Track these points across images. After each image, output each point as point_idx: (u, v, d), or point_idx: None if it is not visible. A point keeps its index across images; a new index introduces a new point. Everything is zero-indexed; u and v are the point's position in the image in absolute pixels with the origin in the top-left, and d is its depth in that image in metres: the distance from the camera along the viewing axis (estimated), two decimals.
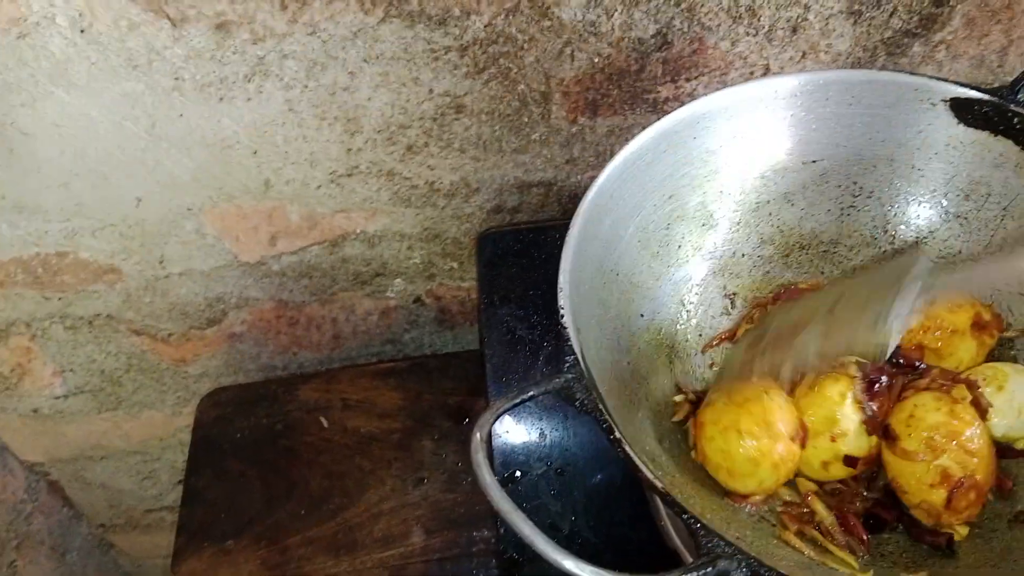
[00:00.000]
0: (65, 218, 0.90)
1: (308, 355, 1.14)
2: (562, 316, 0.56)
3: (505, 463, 0.76)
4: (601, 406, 0.53)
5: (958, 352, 0.65)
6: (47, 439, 1.23)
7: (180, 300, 1.02)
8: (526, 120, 0.86)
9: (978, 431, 0.58)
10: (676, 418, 0.66)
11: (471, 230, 0.98)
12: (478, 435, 0.50)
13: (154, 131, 0.82)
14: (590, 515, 0.74)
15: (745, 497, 0.61)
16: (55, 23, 0.72)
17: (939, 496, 0.58)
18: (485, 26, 0.77)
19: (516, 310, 0.86)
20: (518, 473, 0.77)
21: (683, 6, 0.77)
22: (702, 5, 0.77)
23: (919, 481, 0.58)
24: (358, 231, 0.97)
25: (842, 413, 0.61)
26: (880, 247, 0.73)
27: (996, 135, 0.66)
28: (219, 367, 1.13)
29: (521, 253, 0.91)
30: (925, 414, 0.59)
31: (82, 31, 0.73)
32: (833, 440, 0.61)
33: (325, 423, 0.99)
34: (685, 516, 0.48)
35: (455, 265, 1.03)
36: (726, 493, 0.61)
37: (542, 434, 0.80)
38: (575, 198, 0.65)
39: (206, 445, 1.01)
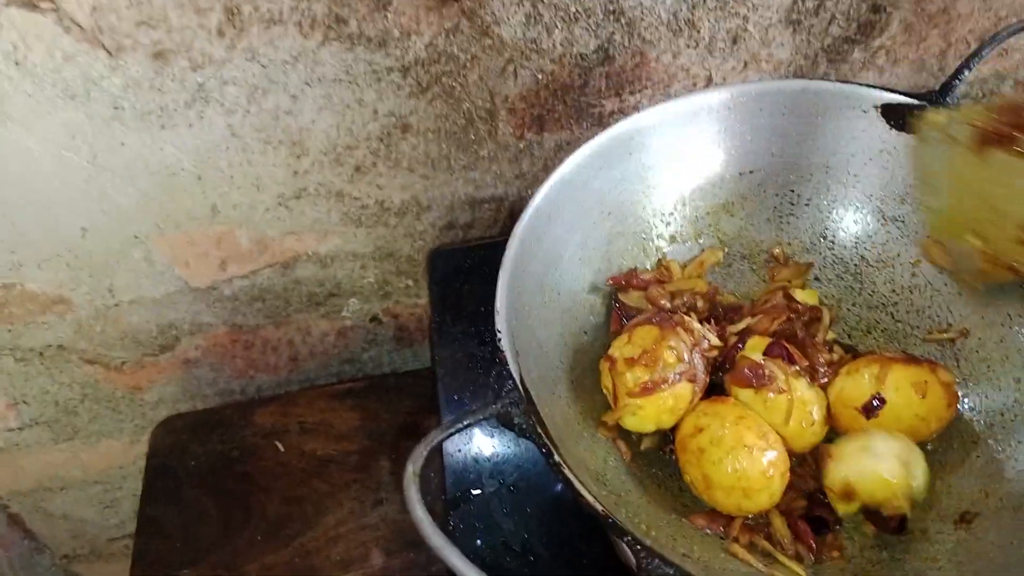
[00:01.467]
0: (10, 250, 0.88)
1: (266, 378, 1.13)
2: (499, 339, 0.56)
3: (457, 481, 0.76)
4: (540, 430, 0.52)
5: None
6: (4, 472, 1.21)
7: (132, 328, 1.01)
8: (473, 137, 0.86)
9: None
10: (645, 446, 0.66)
11: (424, 247, 0.98)
12: (411, 468, 0.49)
13: (96, 161, 0.81)
14: (543, 531, 0.74)
15: (729, 519, 0.61)
16: None
17: None
18: (426, 46, 0.77)
19: (468, 327, 0.86)
20: (472, 491, 0.77)
21: (623, 21, 0.77)
22: (642, 19, 0.77)
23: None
24: (310, 252, 0.96)
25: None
26: (820, 253, 0.74)
27: None
28: (175, 393, 1.12)
29: (472, 270, 0.90)
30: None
31: (16, 63, 0.72)
32: None
33: (281, 447, 0.98)
34: (626, 538, 0.48)
35: (410, 283, 1.03)
36: (710, 518, 0.61)
37: (494, 451, 0.79)
38: (528, 200, 0.65)
39: (161, 473, 0.99)
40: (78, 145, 0.80)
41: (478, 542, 0.71)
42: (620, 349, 0.64)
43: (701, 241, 0.74)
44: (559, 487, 0.76)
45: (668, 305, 0.69)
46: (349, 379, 1.12)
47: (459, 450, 0.77)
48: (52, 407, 1.11)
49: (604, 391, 0.65)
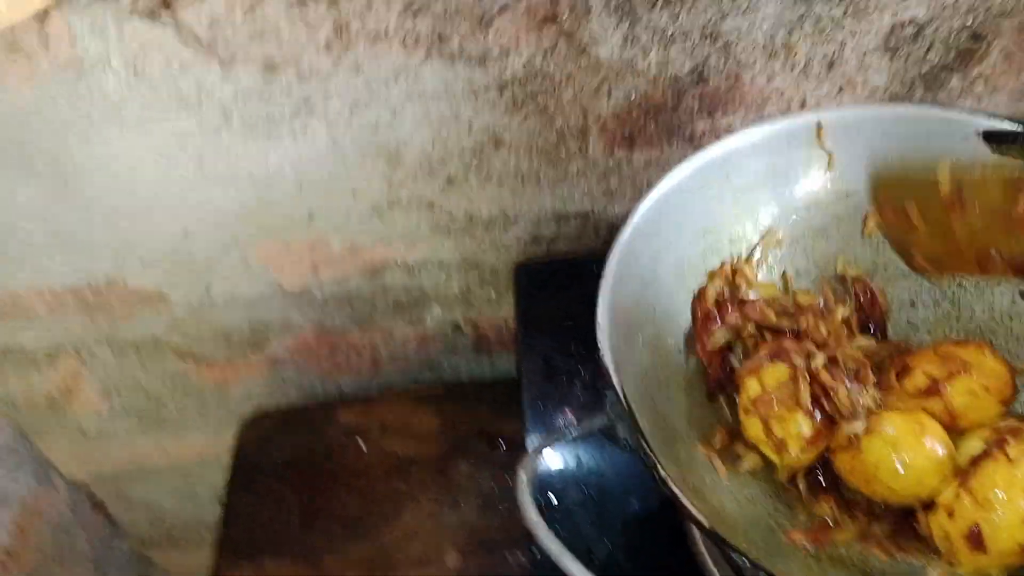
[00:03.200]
0: (114, 248, 0.92)
1: (348, 380, 1.16)
2: (602, 354, 0.57)
3: (541, 489, 0.77)
4: (645, 444, 0.54)
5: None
6: (91, 458, 1.26)
7: (225, 326, 1.05)
8: (564, 154, 0.88)
9: None
10: (747, 468, 0.66)
11: (509, 260, 1.00)
12: (523, 475, 0.51)
13: (202, 167, 0.84)
14: (626, 542, 0.75)
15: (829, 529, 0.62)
16: (110, 65, 0.75)
17: None
18: (523, 64, 0.79)
19: (552, 340, 0.87)
20: (553, 498, 0.78)
21: (719, 44, 0.78)
22: (738, 43, 0.78)
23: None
24: (398, 260, 0.98)
25: None
26: (917, 277, 0.74)
27: None
28: (261, 390, 1.15)
29: (557, 284, 0.92)
30: None
31: (135, 72, 0.76)
32: None
33: (363, 446, 1.00)
34: (734, 553, 0.49)
35: (493, 294, 1.05)
36: (809, 533, 0.62)
37: (579, 460, 0.81)
38: (612, 229, 0.66)
39: (247, 466, 1.03)
40: (187, 152, 0.83)
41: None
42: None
43: (795, 263, 0.75)
44: (635, 502, 0.77)
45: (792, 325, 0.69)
46: (427, 385, 1.14)
47: (544, 455, 0.79)
48: (142, 398, 1.15)
49: (754, 440, 0.65)
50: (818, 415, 0.63)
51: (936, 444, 0.60)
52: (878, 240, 0.74)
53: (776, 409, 0.63)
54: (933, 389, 0.63)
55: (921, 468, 0.60)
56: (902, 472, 0.60)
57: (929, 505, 0.60)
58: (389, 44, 0.76)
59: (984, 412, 0.63)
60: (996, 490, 0.57)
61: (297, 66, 0.77)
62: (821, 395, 0.63)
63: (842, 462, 0.63)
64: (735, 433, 0.67)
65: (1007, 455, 0.58)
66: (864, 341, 0.70)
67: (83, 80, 0.76)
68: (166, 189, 0.86)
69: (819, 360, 0.64)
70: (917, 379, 0.64)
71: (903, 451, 0.60)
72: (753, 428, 0.64)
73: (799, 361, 0.64)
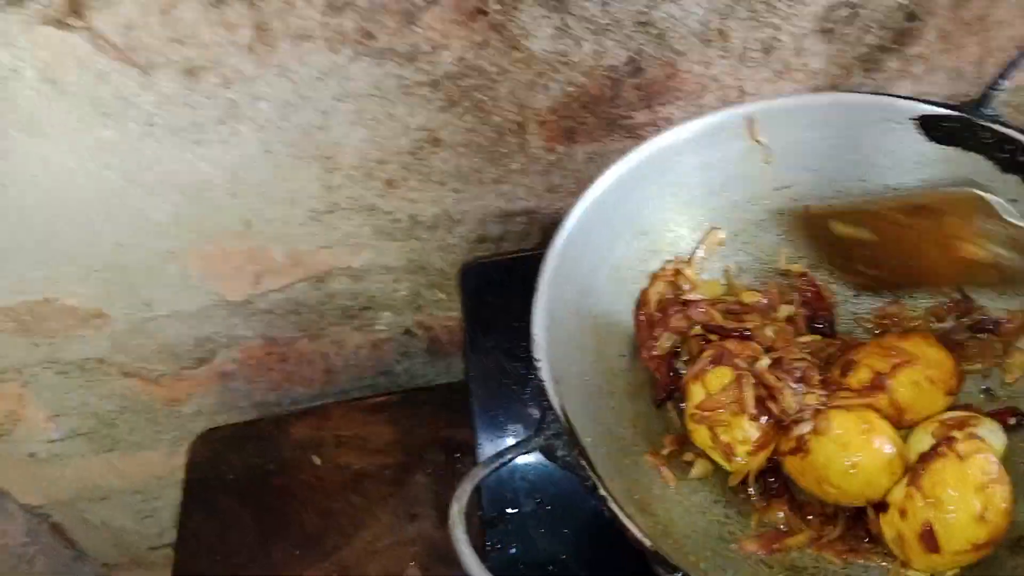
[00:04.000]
0: (48, 265, 0.90)
1: (301, 390, 1.13)
2: (539, 369, 0.55)
3: (494, 500, 0.75)
4: (584, 462, 0.52)
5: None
6: (46, 482, 1.23)
7: (169, 341, 1.02)
8: (504, 150, 0.86)
9: None
10: (696, 475, 0.65)
11: (456, 261, 0.97)
12: (456, 507, 0.49)
13: (130, 177, 0.82)
14: (582, 550, 0.73)
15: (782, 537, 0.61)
16: (22, 76, 0.72)
17: None
18: (456, 60, 0.77)
19: (502, 341, 0.85)
20: (508, 510, 0.76)
21: (653, 32, 0.76)
22: (672, 30, 0.76)
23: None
24: (343, 266, 0.96)
25: None
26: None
27: (966, 150, 0.66)
28: (212, 405, 1.13)
29: (505, 283, 0.90)
30: None
31: (50, 81, 0.73)
32: None
33: (318, 461, 0.98)
34: (677, 573, 0.48)
35: (443, 296, 1.03)
36: (761, 542, 0.61)
37: (531, 469, 0.78)
38: (558, 225, 0.64)
39: (200, 486, 1.00)
40: (112, 162, 0.81)
41: (516, 562, 0.71)
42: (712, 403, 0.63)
43: (736, 259, 0.73)
44: (594, 504, 0.75)
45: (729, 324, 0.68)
46: (383, 392, 1.12)
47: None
48: (91, 419, 1.12)
49: (703, 447, 0.64)
50: (764, 418, 0.61)
51: (884, 442, 0.59)
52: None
53: (721, 415, 0.61)
54: (878, 383, 0.62)
55: (871, 468, 0.59)
56: (852, 472, 0.59)
57: (881, 505, 0.59)
58: (314, 43, 0.74)
59: (930, 404, 0.62)
60: (948, 489, 0.56)
61: (220, 70, 0.75)
62: (767, 398, 0.61)
63: (791, 465, 0.61)
64: (684, 440, 0.65)
65: (957, 452, 0.56)
66: (810, 338, 0.69)
67: None
68: (94, 201, 0.84)
69: (763, 362, 0.63)
70: (861, 374, 0.63)
71: (852, 451, 0.59)
72: (700, 435, 0.63)
73: (743, 364, 0.63)
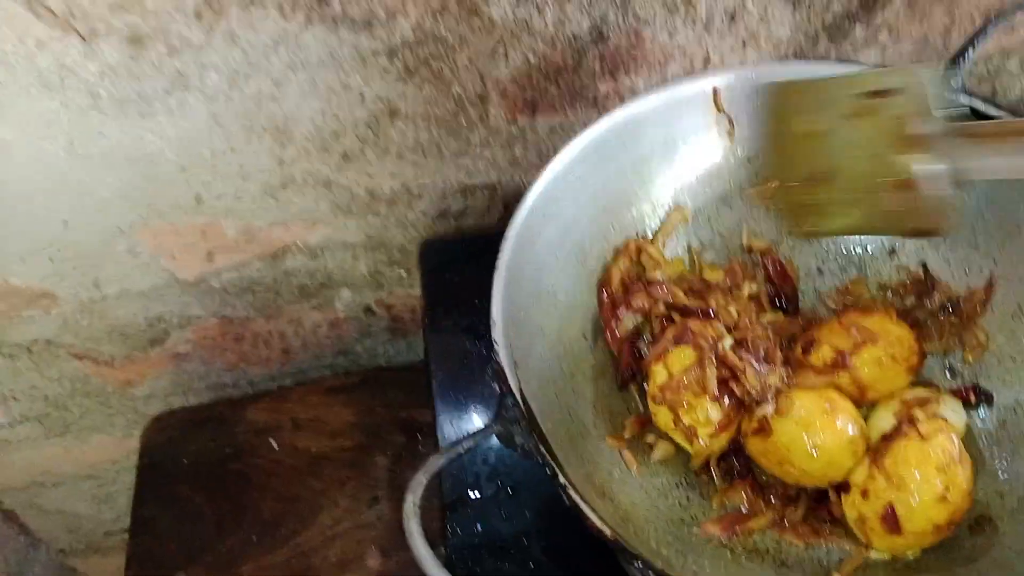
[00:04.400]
0: None
1: (258, 371, 1.11)
2: (497, 352, 0.53)
3: (454, 485, 0.73)
4: (544, 449, 0.50)
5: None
6: None
7: (120, 321, 0.99)
8: (464, 122, 0.83)
9: None
10: (658, 458, 0.64)
11: (416, 237, 0.95)
12: (410, 499, 0.47)
13: (74, 151, 0.78)
14: (543, 536, 0.71)
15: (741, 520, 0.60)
16: None
17: None
18: (413, 27, 0.74)
19: (462, 320, 0.83)
20: (470, 494, 0.74)
21: None
22: None
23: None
24: (299, 243, 0.94)
25: None
26: (823, 244, 0.71)
27: None
28: (166, 388, 1.10)
29: (466, 260, 0.88)
30: None
31: None
32: None
33: (275, 445, 0.96)
34: (636, 563, 0.46)
35: (403, 273, 1.00)
36: (722, 524, 0.60)
37: (492, 452, 0.77)
38: (521, 199, 0.62)
39: (154, 471, 0.98)
40: (54, 135, 0.77)
41: (477, 546, 0.69)
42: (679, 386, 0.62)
43: (699, 235, 0.71)
44: (551, 495, 0.74)
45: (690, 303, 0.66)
46: (343, 372, 1.10)
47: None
48: (42, 402, 1.09)
49: (665, 429, 0.63)
50: (726, 399, 0.60)
51: (847, 422, 0.58)
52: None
53: (683, 396, 0.60)
54: (840, 362, 0.61)
55: (833, 448, 0.58)
56: (814, 454, 0.58)
57: (843, 486, 0.58)
58: (265, 10, 0.71)
59: (892, 381, 0.61)
60: (910, 469, 0.55)
61: (166, 38, 0.72)
62: (729, 378, 0.60)
63: (754, 445, 0.60)
64: (646, 422, 0.64)
65: (919, 432, 0.56)
66: (772, 316, 0.68)
67: None
68: (37, 176, 0.80)
69: (726, 342, 0.61)
70: (823, 353, 0.62)
71: (814, 432, 0.58)
72: (662, 417, 0.62)
73: (706, 344, 0.61)
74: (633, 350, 0.67)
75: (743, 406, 0.60)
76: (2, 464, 1.19)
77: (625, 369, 0.66)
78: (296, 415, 0.98)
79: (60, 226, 0.86)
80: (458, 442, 0.51)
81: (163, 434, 0.99)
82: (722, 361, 0.60)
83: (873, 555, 0.57)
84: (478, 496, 0.72)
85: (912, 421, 0.57)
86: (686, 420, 0.60)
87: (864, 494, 0.56)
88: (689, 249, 0.71)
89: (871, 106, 0.60)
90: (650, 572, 0.46)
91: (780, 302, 0.70)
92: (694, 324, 0.63)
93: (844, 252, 0.71)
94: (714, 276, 0.70)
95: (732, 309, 0.65)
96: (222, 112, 0.78)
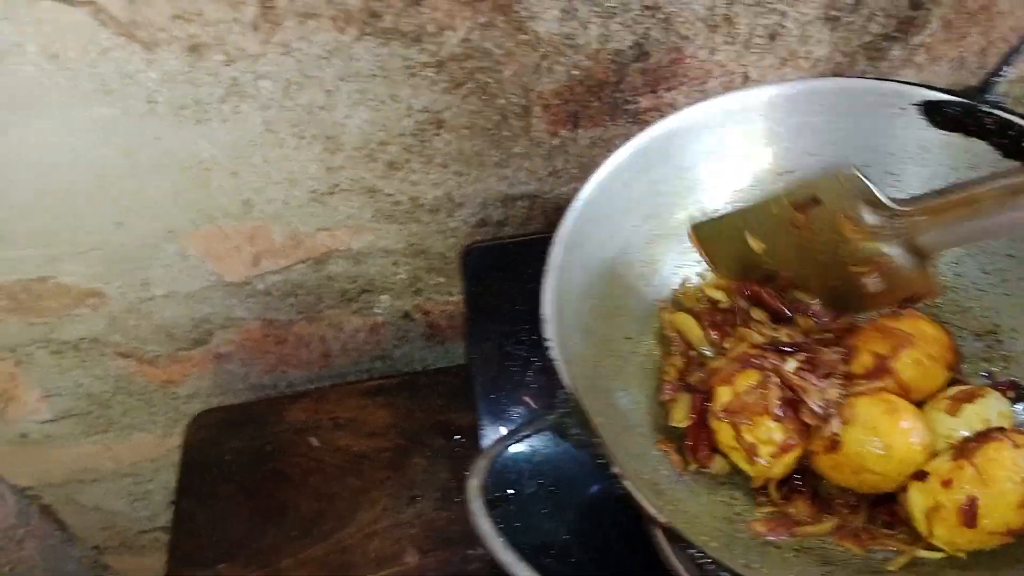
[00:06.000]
0: (45, 244, 0.89)
1: (297, 373, 1.13)
2: (549, 349, 0.55)
3: (496, 482, 0.75)
4: (597, 440, 0.52)
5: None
6: (37, 463, 1.22)
7: (165, 322, 1.01)
8: (507, 134, 0.86)
9: None
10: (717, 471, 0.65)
11: (456, 244, 0.97)
12: (474, 482, 0.49)
13: (131, 155, 0.81)
14: (583, 533, 0.73)
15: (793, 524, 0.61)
16: (24, 50, 0.71)
17: None
18: (461, 41, 0.77)
19: (503, 325, 0.85)
20: (510, 491, 0.76)
21: (660, 16, 0.76)
22: (679, 15, 0.76)
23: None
24: (342, 248, 0.96)
25: None
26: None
27: (968, 136, 0.66)
28: (208, 387, 1.12)
29: (507, 267, 0.90)
30: None
31: (51, 57, 0.72)
32: None
33: (315, 443, 0.97)
34: (692, 550, 0.48)
35: (442, 280, 1.03)
36: (770, 524, 0.61)
37: (534, 450, 0.79)
38: (560, 210, 0.64)
39: (195, 468, 0.99)
40: (113, 140, 0.80)
41: (517, 544, 0.71)
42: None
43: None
44: (596, 488, 0.76)
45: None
46: (380, 376, 1.12)
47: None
48: (85, 400, 1.11)
49: (725, 447, 0.64)
50: (789, 419, 0.61)
51: (911, 419, 0.60)
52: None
53: (746, 414, 0.61)
54: (882, 367, 0.62)
55: (903, 446, 0.59)
56: (887, 455, 0.59)
57: (919, 474, 0.59)
58: (319, 22, 0.74)
59: (933, 380, 0.63)
60: (1003, 469, 0.56)
61: (224, 47, 0.74)
62: (793, 399, 0.61)
63: (825, 463, 0.61)
64: (701, 436, 0.65)
65: (1012, 440, 0.57)
66: (807, 324, 0.69)
67: None
68: (93, 179, 0.83)
69: (790, 364, 0.63)
70: (864, 359, 0.63)
71: (882, 434, 0.59)
72: (724, 434, 0.63)
73: (769, 366, 0.62)
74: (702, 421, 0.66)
75: (807, 429, 0.61)
76: (42, 459, 1.21)
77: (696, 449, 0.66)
78: (335, 415, 0.99)
79: (112, 228, 0.88)
80: (518, 429, 0.53)
81: (204, 432, 1.01)
82: (785, 382, 0.61)
83: (922, 553, 0.59)
84: (519, 494, 0.74)
85: (1003, 430, 0.58)
86: (748, 438, 0.61)
87: (946, 483, 0.57)
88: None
89: (804, 219, 0.63)
90: (706, 559, 0.48)
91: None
92: (755, 349, 0.64)
93: None
94: (717, 294, 0.72)
95: (783, 333, 0.67)
96: (274, 120, 0.80)
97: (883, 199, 0.63)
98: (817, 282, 0.68)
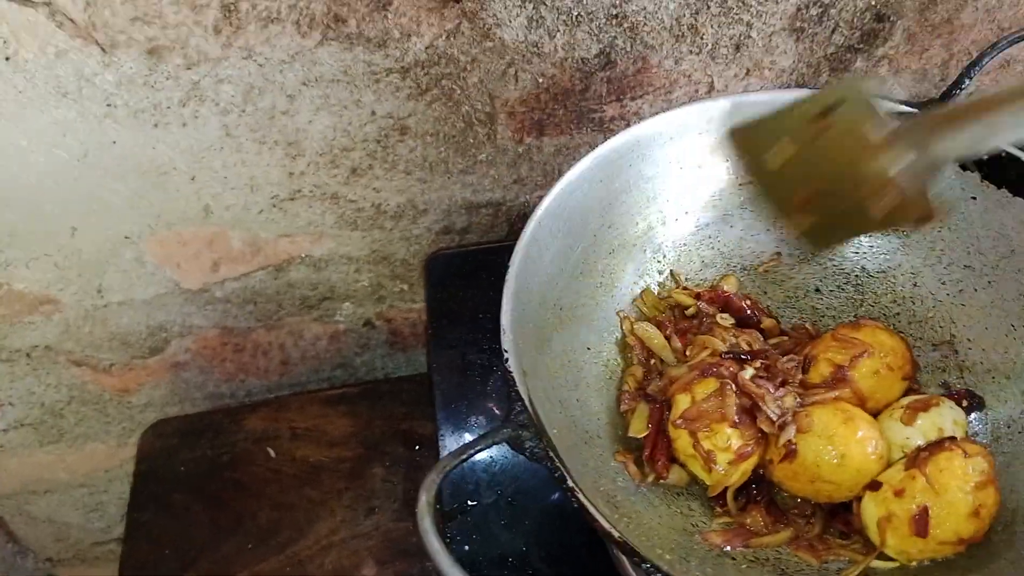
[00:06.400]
0: None
1: (256, 382, 1.11)
2: (507, 360, 0.55)
3: (455, 493, 0.75)
4: (552, 454, 0.51)
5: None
6: None
7: (121, 329, 0.99)
8: (472, 141, 0.85)
9: None
10: (672, 481, 0.64)
11: (420, 251, 0.97)
12: (424, 497, 0.48)
13: (87, 159, 0.79)
14: (542, 543, 0.73)
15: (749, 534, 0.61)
16: None
17: None
18: (426, 48, 0.76)
19: (465, 333, 0.85)
20: (469, 502, 0.75)
21: (625, 26, 0.76)
22: (644, 24, 0.76)
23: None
24: (303, 255, 0.95)
25: None
26: (821, 263, 0.73)
27: None
28: (164, 397, 1.10)
29: (470, 275, 0.89)
30: None
31: (7, 58, 0.71)
32: None
33: (272, 453, 0.96)
34: (645, 565, 0.47)
35: (405, 287, 1.02)
36: (726, 536, 0.61)
37: (492, 461, 0.78)
38: (524, 218, 0.64)
39: (150, 478, 0.98)
40: (69, 143, 0.78)
41: (476, 555, 0.70)
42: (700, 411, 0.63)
43: (701, 253, 0.73)
44: (555, 497, 0.75)
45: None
46: (341, 384, 1.11)
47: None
48: (38, 409, 1.09)
49: (683, 456, 0.63)
50: (746, 426, 0.61)
51: (867, 429, 0.60)
52: (780, 227, 0.73)
53: (704, 421, 0.61)
54: (840, 376, 0.63)
55: (859, 455, 0.59)
56: (842, 464, 0.59)
57: (872, 485, 0.60)
58: (282, 26, 0.73)
59: (890, 390, 0.63)
60: (954, 479, 0.57)
61: (184, 50, 0.73)
62: (750, 406, 0.62)
63: (782, 472, 0.61)
64: (658, 445, 0.65)
65: (963, 449, 0.58)
66: (778, 340, 0.69)
67: None
68: (49, 183, 0.81)
69: (747, 372, 0.63)
70: (822, 368, 0.64)
71: (838, 443, 0.60)
72: (681, 442, 0.63)
73: (727, 373, 0.63)
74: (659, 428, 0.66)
75: (764, 437, 0.61)
76: None
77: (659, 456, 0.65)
78: (295, 424, 0.98)
79: (68, 233, 0.87)
80: (470, 445, 0.52)
81: (160, 441, 1.00)
82: (742, 390, 0.62)
83: (875, 564, 0.59)
84: (477, 505, 0.73)
85: (954, 440, 0.59)
86: (706, 445, 0.61)
87: (899, 493, 0.57)
88: (672, 274, 0.74)
89: (823, 126, 0.62)
90: (660, 575, 0.47)
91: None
92: (715, 357, 0.64)
93: (843, 271, 0.74)
94: (686, 300, 0.71)
95: (743, 340, 0.67)
96: (235, 125, 0.79)
97: (901, 106, 0.62)
98: (830, 201, 0.66)
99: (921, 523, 0.56)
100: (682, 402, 0.63)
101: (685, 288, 0.73)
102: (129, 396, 1.10)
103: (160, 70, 0.74)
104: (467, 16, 0.74)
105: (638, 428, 0.65)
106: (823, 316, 0.73)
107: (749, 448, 0.61)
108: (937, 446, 0.58)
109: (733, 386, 0.62)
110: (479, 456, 0.76)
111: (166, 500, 0.95)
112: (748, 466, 0.61)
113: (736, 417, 0.61)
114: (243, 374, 1.09)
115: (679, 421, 0.62)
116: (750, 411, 0.62)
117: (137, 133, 0.78)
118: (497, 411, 0.80)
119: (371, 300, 1.03)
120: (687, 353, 0.68)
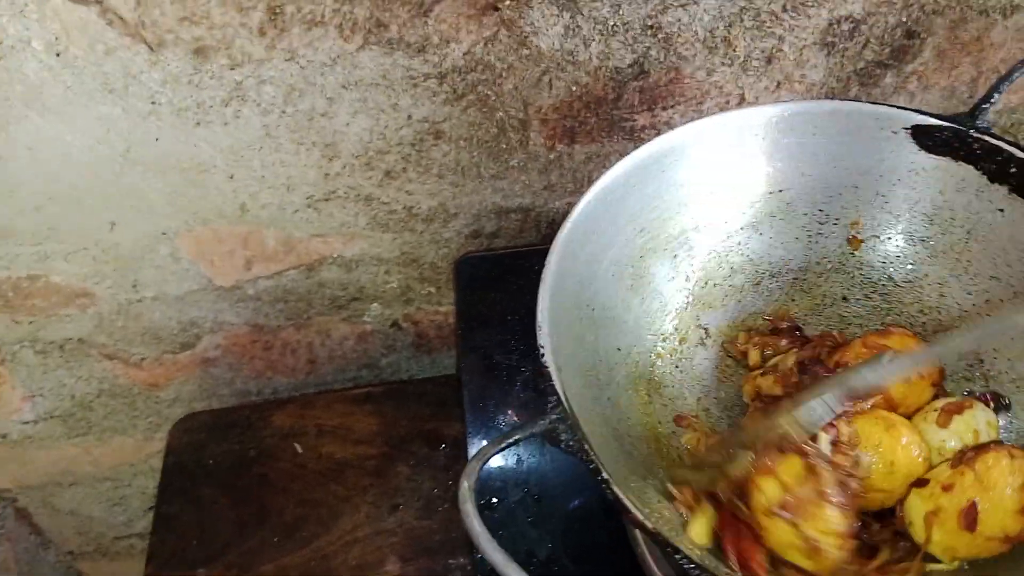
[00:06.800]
0: (37, 241, 0.89)
1: (283, 380, 1.13)
2: (542, 355, 0.56)
3: (482, 490, 0.76)
4: (587, 447, 0.52)
5: None
6: (15, 465, 1.20)
7: (153, 324, 1.01)
8: (504, 146, 0.87)
9: None
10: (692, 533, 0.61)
11: (449, 255, 0.98)
12: (466, 484, 0.49)
13: (129, 155, 0.81)
14: (568, 542, 0.74)
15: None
16: (30, 46, 0.72)
17: None
18: (464, 54, 0.78)
19: (494, 335, 0.86)
20: (494, 500, 0.77)
21: (660, 36, 0.78)
22: (679, 35, 0.78)
23: None
24: (335, 255, 0.96)
25: None
26: (848, 272, 0.74)
27: (957, 161, 0.68)
28: (192, 392, 1.12)
29: (499, 278, 0.91)
30: None
31: (58, 55, 0.73)
32: None
33: (299, 449, 0.97)
34: (678, 556, 0.48)
35: (433, 290, 1.03)
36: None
37: (519, 459, 0.79)
38: (553, 224, 0.65)
39: (178, 472, 0.99)
40: (112, 139, 0.80)
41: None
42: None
43: (730, 259, 0.74)
44: (581, 497, 0.76)
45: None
46: (366, 384, 1.12)
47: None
48: (68, 401, 1.11)
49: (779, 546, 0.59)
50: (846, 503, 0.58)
51: (910, 433, 0.61)
52: (814, 233, 0.74)
53: (805, 507, 0.57)
54: None
55: (906, 460, 0.60)
56: (892, 471, 0.60)
57: (919, 481, 0.60)
58: (325, 30, 0.75)
59: (919, 396, 0.64)
60: (1003, 475, 0.57)
61: (229, 51, 0.75)
62: (845, 477, 0.59)
63: None
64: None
65: (1008, 450, 0.59)
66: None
67: (2, 62, 0.73)
68: (91, 177, 0.83)
69: (825, 442, 0.60)
70: None
71: (886, 451, 0.60)
72: (778, 532, 0.57)
73: (808, 448, 0.59)
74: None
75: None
76: (21, 461, 1.20)
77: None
78: (321, 421, 0.99)
79: (107, 227, 0.88)
80: (508, 435, 0.53)
81: (188, 435, 1.01)
82: (831, 463, 0.59)
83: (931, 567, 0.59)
84: (504, 502, 0.74)
85: (999, 442, 0.60)
86: (811, 532, 0.56)
87: (947, 488, 0.58)
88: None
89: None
90: (691, 565, 0.48)
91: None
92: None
93: (870, 280, 0.75)
94: (755, 358, 0.72)
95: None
96: (275, 125, 0.81)
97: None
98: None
99: (970, 516, 0.57)
100: (770, 489, 0.58)
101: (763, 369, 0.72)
102: (158, 391, 1.11)
103: (205, 69, 0.76)
104: (505, 24, 0.76)
105: (700, 534, 0.59)
106: (850, 324, 0.74)
107: (856, 524, 0.58)
108: (983, 447, 0.60)
109: (821, 461, 0.58)
110: (505, 456, 0.78)
111: (193, 493, 0.96)
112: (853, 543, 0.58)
113: (836, 496, 0.57)
114: (271, 372, 1.11)
115: (778, 510, 0.57)
116: (841, 483, 0.58)
117: (179, 131, 0.80)
118: (523, 412, 0.81)
119: (399, 302, 1.04)
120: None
